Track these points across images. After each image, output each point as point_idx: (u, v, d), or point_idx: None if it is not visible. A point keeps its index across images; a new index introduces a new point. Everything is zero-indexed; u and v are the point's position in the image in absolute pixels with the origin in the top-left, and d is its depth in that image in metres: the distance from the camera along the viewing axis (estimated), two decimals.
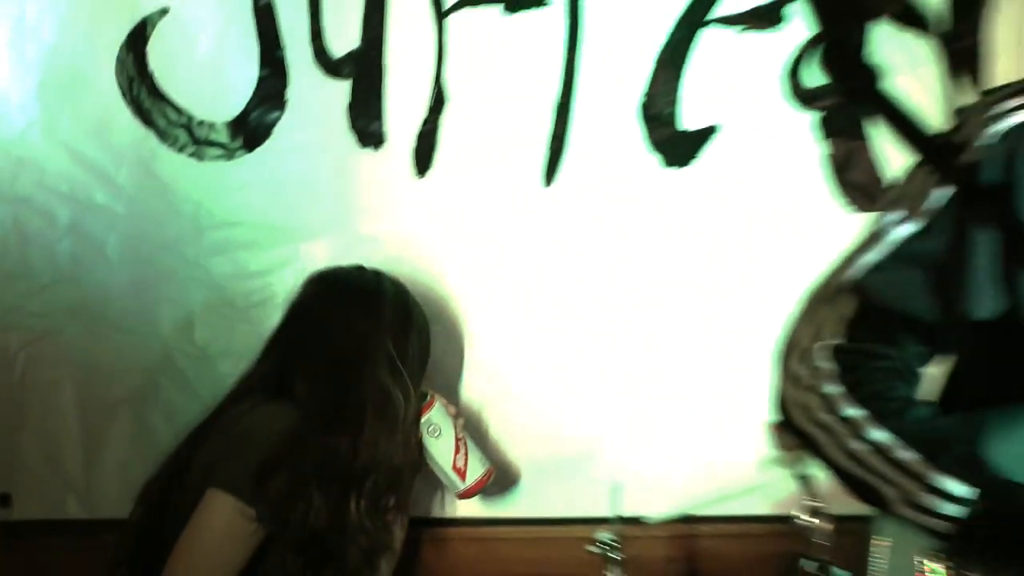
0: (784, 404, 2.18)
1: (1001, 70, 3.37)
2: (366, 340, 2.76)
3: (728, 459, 3.27)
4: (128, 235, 3.31)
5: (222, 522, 2.60)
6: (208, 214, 3.31)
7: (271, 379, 2.74)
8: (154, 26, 3.29)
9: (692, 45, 3.32)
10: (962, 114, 2.21)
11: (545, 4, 3.29)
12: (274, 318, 3.14)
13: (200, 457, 2.67)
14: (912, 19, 1.60)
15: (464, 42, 3.38)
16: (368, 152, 3.30)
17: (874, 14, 1.61)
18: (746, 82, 3.36)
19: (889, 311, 2.12)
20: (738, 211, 3.41)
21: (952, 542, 2.00)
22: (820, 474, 2.52)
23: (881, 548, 2.24)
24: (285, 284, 3.27)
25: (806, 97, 3.32)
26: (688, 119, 3.32)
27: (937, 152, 1.53)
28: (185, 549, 2.59)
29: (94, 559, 2.89)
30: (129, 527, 2.74)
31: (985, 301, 2.03)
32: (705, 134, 3.33)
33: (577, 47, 3.31)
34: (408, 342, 2.80)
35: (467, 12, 3.31)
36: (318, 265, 3.25)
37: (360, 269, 2.90)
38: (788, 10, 3.29)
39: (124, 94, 3.26)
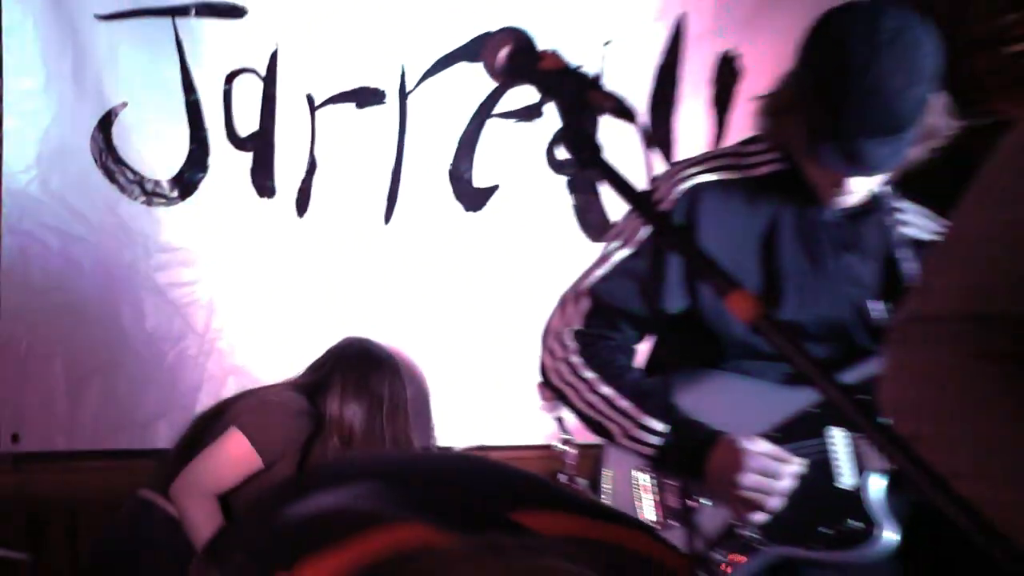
0: (544, 370, 2.85)
1: (683, 150, 4.53)
2: (387, 398, 3.34)
3: (512, 407, 4.16)
4: (99, 257, 4.18)
5: (230, 454, 3.18)
6: (155, 243, 4.23)
7: (310, 387, 3.31)
8: (116, 115, 4.22)
9: (482, 130, 4.49)
10: (658, 179, 2.87)
11: (384, 103, 4.42)
12: (200, 314, 4.23)
13: (234, 409, 3.22)
14: (624, 113, 1.65)
15: (329, 127, 4.44)
16: (264, 200, 4.34)
17: (598, 110, 1.66)
18: (518, 154, 4.52)
19: (612, 308, 2.79)
20: (514, 241, 4.53)
21: (654, 461, 2.73)
22: (569, 417, 3.18)
23: (608, 467, 2.94)
24: (207, 290, 4.27)
25: (558, 166, 4.53)
26: (479, 179, 4.50)
27: (643, 203, 1.68)
28: (195, 465, 3.14)
29: (73, 477, 3.85)
30: (166, 456, 3.31)
31: (675, 301, 2.76)
32: (491, 190, 4.53)
33: (405, 130, 4.46)
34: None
35: (331, 106, 4.41)
36: (231, 278, 4.30)
37: (383, 348, 3.48)
38: (545, 107, 4.41)
39: (96, 161, 4.18)
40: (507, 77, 1.76)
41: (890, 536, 2.80)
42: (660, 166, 3.63)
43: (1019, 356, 1.79)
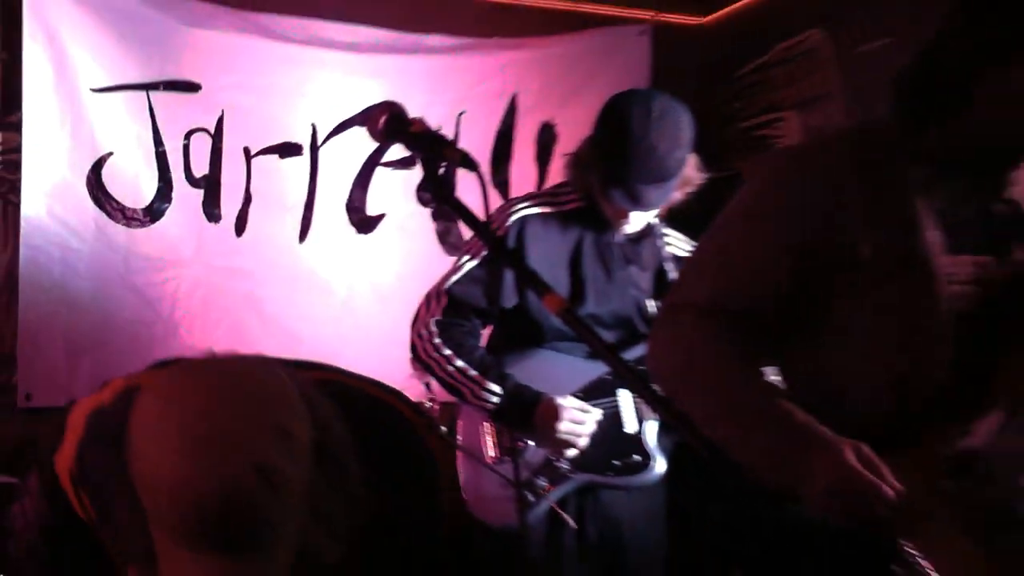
0: (414, 348, 3.14)
1: (516, 191, 5.20)
2: None
3: (394, 376, 3.93)
4: (91, 265, 4.64)
5: None
6: (132, 254, 4.70)
7: None
8: (105, 160, 4.70)
9: (372, 174, 5.21)
10: (495, 211, 3.17)
11: (301, 154, 5.08)
12: (166, 307, 4.73)
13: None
14: (470, 164, 1.75)
15: (260, 171, 5.01)
16: (212, 224, 4.92)
17: (452, 162, 1.77)
18: (398, 192, 5.23)
19: (464, 304, 3.12)
20: (394, 255, 5.21)
21: (494, 414, 3.13)
22: (433, 383, 3.32)
23: (461, 418, 3.32)
24: (171, 289, 4.78)
25: (425, 201, 5.20)
26: (370, 210, 5.20)
27: (483, 229, 1.81)
28: None
29: None
30: None
31: (509, 299, 3.17)
32: (379, 218, 5.23)
33: (316, 174, 5.13)
34: None
35: (262, 156, 5.00)
36: (189, 281, 4.76)
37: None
38: (416, 159, 4.57)
39: (89, 193, 4.65)
40: (385, 138, 1.88)
41: (661, 466, 3.22)
42: (499, 202, 3.60)
43: (748, 339, 2.12)
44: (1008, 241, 2.17)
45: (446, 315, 3.13)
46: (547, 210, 3.22)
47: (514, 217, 3.19)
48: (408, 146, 1.85)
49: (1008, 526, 2.06)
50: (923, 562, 1.98)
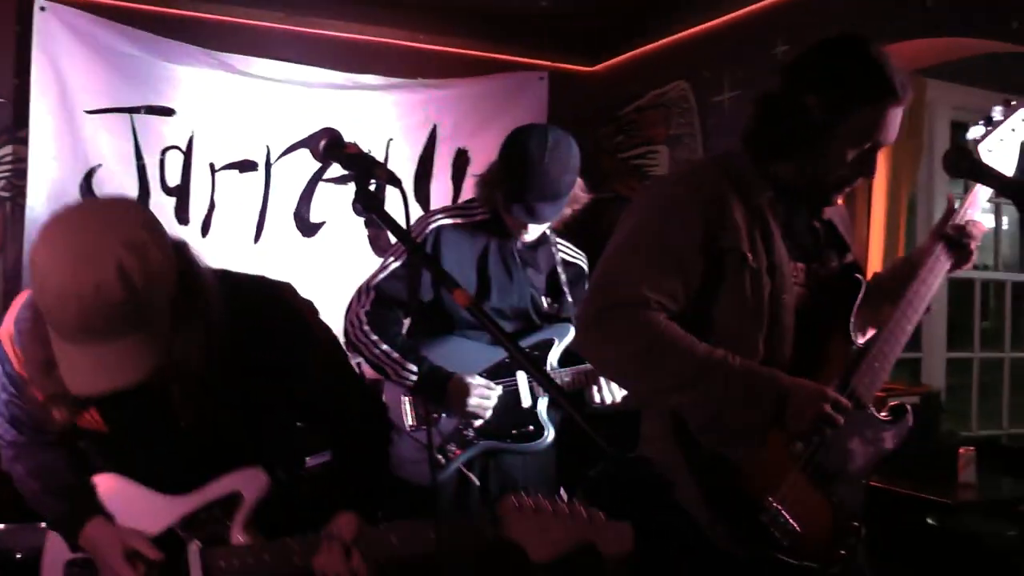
0: (346, 334, 3.05)
1: (435, 204, 5.20)
2: None
3: None
4: None
5: None
6: None
7: None
8: (95, 172, 4.70)
9: (315, 188, 5.21)
10: (416, 221, 3.15)
11: (257, 170, 5.08)
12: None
13: None
14: (396, 182, 1.72)
15: (223, 183, 5.01)
16: (182, 226, 4.88)
17: (381, 180, 1.75)
18: (337, 204, 5.24)
19: (388, 297, 3.08)
20: (333, 256, 5.16)
21: (412, 390, 3.11)
22: (363, 363, 3.19)
23: (385, 393, 3.18)
24: None
25: (359, 211, 4.37)
26: (314, 217, 5.22)
27: (405, 236, 1.77)
28: None
29: None
30: None
31: (426, 294, 3.15)
32: (320, 224, 5.25)
33: (269, 187, 5.14)
34: None
35: (224, 171, 5.00)
36: None
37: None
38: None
39: (83, 198, 4.45)
40: (324, 158, 1.85)
41: (551, 435, 3.24)
42: (420, 214, 3.53)
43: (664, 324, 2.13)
44: (825, 251, 2.33)
45: (374, 307, 3.09)
46: (459, 221, 3.21)
47: (432, 226, 3.18)
48: (343, 165, 1.84)
49: (842, 480, 2.18)
50: (784, 513, 2.11)
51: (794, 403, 2.05)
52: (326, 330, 2.21)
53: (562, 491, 2.63)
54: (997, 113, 2.40)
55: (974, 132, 2.38)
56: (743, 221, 2.17)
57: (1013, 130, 2.38)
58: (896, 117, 2.17)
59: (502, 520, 1.87)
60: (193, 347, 1.86)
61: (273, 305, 2.12)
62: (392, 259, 3.18)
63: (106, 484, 2.14)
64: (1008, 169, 2.34)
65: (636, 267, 2.15)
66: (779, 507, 2.10)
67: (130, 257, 1.69)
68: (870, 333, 2.39)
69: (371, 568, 2.01)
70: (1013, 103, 2.39)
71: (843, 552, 2.17)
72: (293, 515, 2.07)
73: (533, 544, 1.87)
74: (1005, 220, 6.08)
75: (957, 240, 2.32)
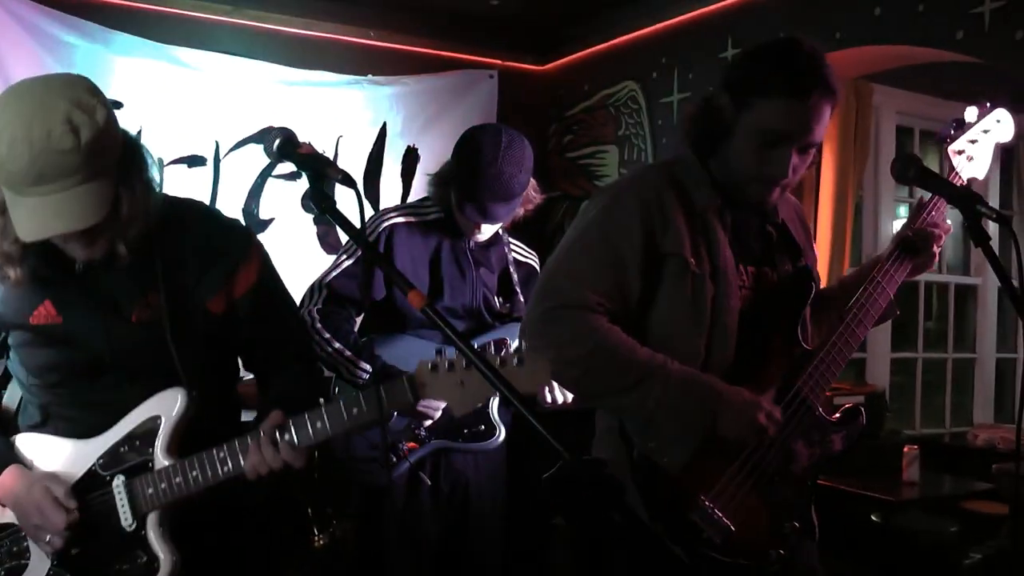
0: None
1: (385, 203, 5.27)
2: None
3: None
4: None
5: None
6: None
7: None
8: None
9: (264, 184, 5.25)
10: (368, 220, 3.10)
11: (205, 164, 5.10)
12: None
13: None
14: (348, 181, 1.70)
15: (171, 178, 4.95)
16: None
17: (333, 179, 1.74)
18: (286, 200, 5.26)
19: (341, 295, 3.07)
20: (283, 253, 4.23)
21: (365, 387, 2.97)
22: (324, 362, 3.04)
23: (338, 389, 3.16)
24: None
25: (308, 208, 5.24)
26: (263, 214, 5.25)
27: (357, 235, 1.75)
28: None
29: None
30: None
31: (378, 293, 3.11)
32: (269, 221, 5.26)
33: (218, 182, 5.15)
34: None
35: (173, 166, 4.99)
36: None
37: None
38: (301, 175, 5.11)
39: None
40: (279, 158, 1.85)
41: (502, 435, 3.25)
42: (371, 212, 3.64)
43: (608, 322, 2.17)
44: (777, 254, 2.36)
45: (326, 304, 3.07)
46: (412, 219, 3.21)
47: (384, 224, 3.17)
48: (297, 165, 1.86)
49: (782, 480, 2.20)
50: (717, 511, 2.12)
51: (728, 412, 2.09)
52: (268, 261, 2.30)
53: None
54: (970, 114, 2.43)
55: (943, 132, 2.42)
56: (686, 227, 2.20)
57: (985, 131, 2.41)
58: (808, 114, 2.15)
59: (421, 385, 1.93)
60: (138, 209, 1.96)
61: (218, 220, 2.29)
62: (345, 257, 3.18)
63: (23, 443, 2.17)
64: (980, 169, 2.40)
65: (579, 270, 2.18)
66: (711, 505, 2.12)
67: (78, 112, 1.83)
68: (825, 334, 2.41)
69: (303, 454, 2.03)
70: (988, 104, 2.42)
71: (782, 552, 2.19)
72: (215, 435, 2.09)
73: (454, 400, 1.95)
74: (949, 223, 6.16)
75: (918, 244, 2.36)
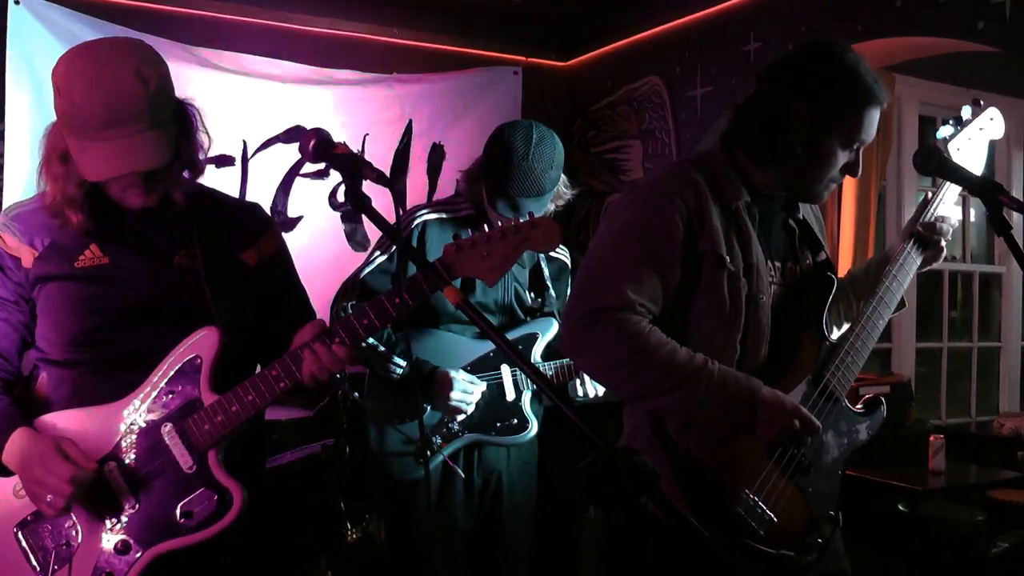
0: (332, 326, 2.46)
1: (411, 200, 5.33)
2: None
3: None
4: None
5: None
6: None
7: None
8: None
9: (292, 183, 5.24)
10: (401, 216, 3.12)
11: (233, 164, 5.08)
12: None
13: None
14: (384, 181, 1.75)
15: (204, 177, 4.80)
16: None
17: (369, 177, 1.79)
18: (314, 199, 5.26)
19: (374, 291, 3.02)
20: (311, 250, 5.00)
21: (400, 384, 3.12)
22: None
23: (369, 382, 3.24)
24: None
25: (336, 205, 5.28)
26: (291, 212, 5.24)
27: (392, 231, 1.84)
28: None
29: None
30: None
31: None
32: (298, 219, 5.27)
33: (247, 182, 5.12)
34: None
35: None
36: None
37: None
38: (330, 172, 5.06)
39: None
40: (314, 159, 1.89)
41: (534, 428, 3.31)
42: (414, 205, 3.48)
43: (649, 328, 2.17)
44: (800, 250, 2.41)
45: (360, 300, 3.07)
46: (443, 216, 3.23)
47: (416, 221, 3.20)
48: (332, 165, 1.90)
49: (817, 471, 2.23)
50: (760, 503, 2.16)
51: (765, 415, 2.12)
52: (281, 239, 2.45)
53: None
54: (966, 112, 2.50)
55: (944, 131, 2.47)
56: (720, 224, 2.22)
57: (981, 129, 2.49)
58: (876, 117, 2.27)
59: (451, 266, 2.03)
60: (194, 161, 2.23)
61: (241, 201, 2.59)
62: (378, 253, 3.21)
63: (51, 422, 2.19)
64: (976, 166, 2.45)
65: (618, 271, 2.19)
66: (755, 498, 2.15)
67: (145, 65, 2.04)
68: (844, 328, 2.48)
69: (353, 353, 2.14)
70: (981, 103, 2.49)
71: (820, 540, 2.23)
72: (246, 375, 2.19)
73: (482, 271, 2.05)
74: (972, 213, 6.23)
75: (927, 237, 2.41)
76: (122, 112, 2.01)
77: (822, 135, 2.24)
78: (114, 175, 2.07)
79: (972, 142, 2.47)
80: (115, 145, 2.02)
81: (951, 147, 2.45)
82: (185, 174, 2.25)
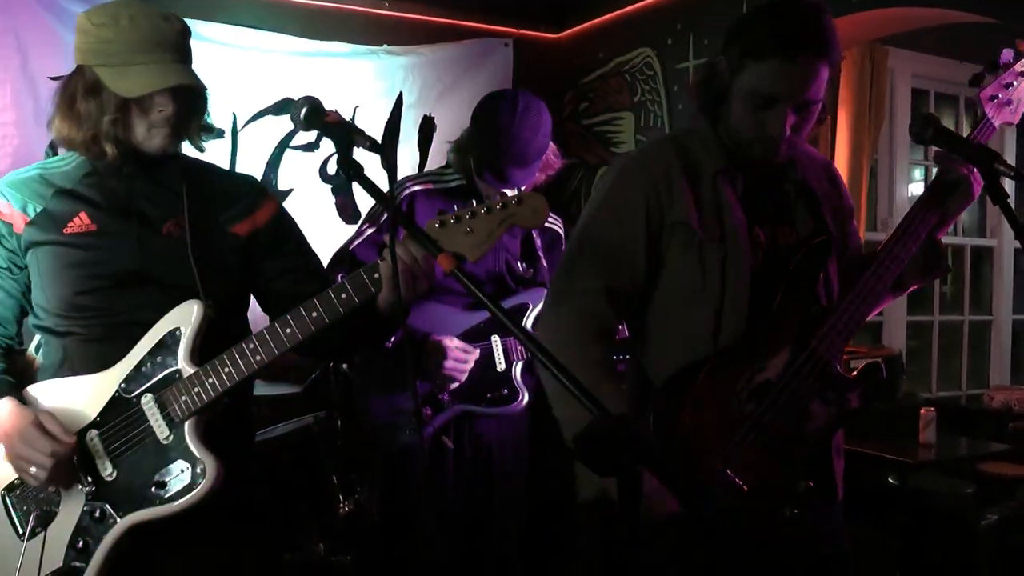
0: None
1: (402, 172, 4.95)
2: None
3: None
4: None
5: None
6: None
7: None
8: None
9: (282, 155, 5.22)
10: (392, 186, 2.57)
11: (223, 137, 5.00)
12: None
13: None
14: (376, 148, 1.78)
15: (189, 149, 4.41)
16: None
17: (360, 145, 1.81)
18: (304, 171, 5.25)
19: (362, 263, 2.54)
20: (301, 224, 4.60)
21: (391, 353, 3.09)
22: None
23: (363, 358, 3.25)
24: None
25: (326, 177, 5.27)
26: (282, 184, 5.21)
27: (387, 199, 1.83)
28: None
29: None
30: None
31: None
32: (288, 192, 5.23)
33: (236, 154, 5.11)
34: None
35: None
36: None
37: None
38: (320, 143, 5.08)
39: None
40: (306, 126, 1.88)
41: (525, 399, 3.32)
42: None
43: (613, 314, 2.24)
44: (794, 212, 2.35)
45: (349, 272, 3.02)
46: (433, 187, 3.26)
47: (405, 192, 3.22)
48: (325, 133, 1.91)
49: (796, 440, 2.17)
50: (727, 471, 2.13)
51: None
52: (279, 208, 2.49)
53: None
54: (1005, 56, 2.32)
55: (976, 79, 2.33)
56: (692, 195, 2.22)
57: (1022, 73, 2.30)
58: (798, 75, 2.14)
59: (436, 240, 1.97)
60: (204, 110, 2.37)
61: (236, 172, 2.67)
62: (367, 225, 3.22)
63: (38, 391, 2.24)
64: (1015, 114, 2.30)
65: (589, 252, 2.22)
66: (722, 467, 2.11)
67: (174, 15, 2.23)
68: None
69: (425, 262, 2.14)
70: None
71: (795, 511, 2.18)
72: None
73: (465, 247, 2.02)
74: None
75: (957, 181, 2.26)
76: (166, 38, 2.15)
77: (733, 88, 2.22)
78: (164, 87, 2.15)
79: (1012, 89, 2.29)
80: (158, 67, 2.14)
81: (983, 95, 2.30)
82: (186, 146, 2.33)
